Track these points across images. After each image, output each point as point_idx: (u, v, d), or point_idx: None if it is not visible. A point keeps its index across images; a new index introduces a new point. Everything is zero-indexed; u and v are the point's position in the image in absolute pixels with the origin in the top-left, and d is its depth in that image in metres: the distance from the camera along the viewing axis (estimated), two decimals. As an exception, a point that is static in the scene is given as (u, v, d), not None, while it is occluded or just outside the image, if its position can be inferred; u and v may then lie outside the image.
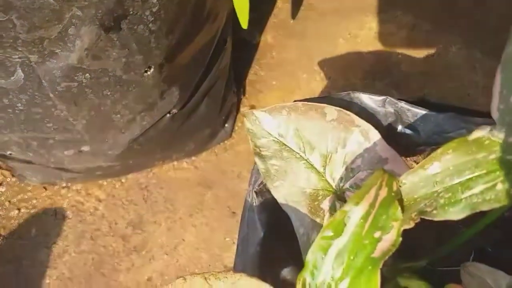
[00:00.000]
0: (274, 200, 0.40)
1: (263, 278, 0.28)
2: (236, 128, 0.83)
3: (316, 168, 0.39)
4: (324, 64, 0.89)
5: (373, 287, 0.25)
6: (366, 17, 0.92)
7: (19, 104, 0.46)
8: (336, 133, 0.39)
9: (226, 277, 0.28)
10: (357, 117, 0.38)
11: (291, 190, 0.39)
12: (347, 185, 0.38)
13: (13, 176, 0.79)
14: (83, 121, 0.51)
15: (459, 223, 0.51)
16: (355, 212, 0.27)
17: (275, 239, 0.40)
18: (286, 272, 0.40)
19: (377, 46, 0.89)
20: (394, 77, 0.85)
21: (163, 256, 0.75)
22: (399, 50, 0.88)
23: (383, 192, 0.28)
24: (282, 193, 0.39)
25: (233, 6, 0.57)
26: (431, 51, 0.87)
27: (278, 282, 0.40)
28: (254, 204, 0.41)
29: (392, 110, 0.42)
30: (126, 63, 0.47)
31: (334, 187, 0.38)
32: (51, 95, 0.46)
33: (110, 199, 0.79)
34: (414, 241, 0.51)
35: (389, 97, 0.41)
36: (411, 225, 0.27)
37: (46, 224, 0.78)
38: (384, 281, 0.39)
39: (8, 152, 0.57)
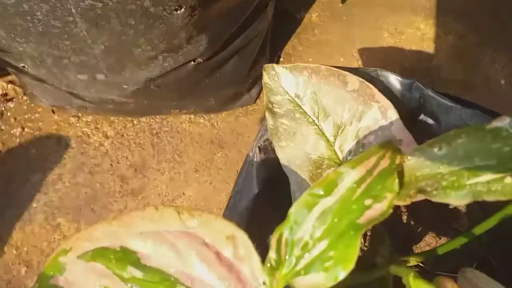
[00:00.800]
0: (275, 161, 0.39)
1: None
2: (261, 95, 0.82)
3: (326, 136, 0.38)
4: (364, 53, 0.87)
5: (351, 253, 0.24)
6: (416, 16, 0.90)
7: (39, 13, 0.46)
8: (354, 105, 0.37)
9: (201, 215, 0.27)
10: (378, 93, 0.36)
11: (296, 152, 0.38)
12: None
13: (24, 94, 0.80)
14: (102, 47, 0.51)
15: (460, 226, 0.50)
16: (350, 175, 0.26)
17: (268, 201, 0.40)
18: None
19: (421, 46, 0.86)
20: (431, 81, 0.83)
21: (158, 205, 0.75)
22: (442, 55, 0.85)
23: (384, 163, 0.27)
24: (287, 154, 0.38)
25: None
26: (474, 62, 0.84)
27: (262, 245, 0.40)
28: (255, 159, 0.40)
29: (417, 96, 0.40)
30: (158, -5, 0.47)
31: (341, 158, 0.37)
32: (73, 10, 0.46)
33: (118, 138, 0.79)
34: (413, 241, 0.50)
35: (416, 82, 0.40)
36: (407, 201, 0.26)
37: (47, 149, 0.79)
38: (376, 269, 0.38)
39: (22, 65, 0.58)
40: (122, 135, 0.79)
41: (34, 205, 0.75)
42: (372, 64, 0.86)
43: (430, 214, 0.50)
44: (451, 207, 0.51)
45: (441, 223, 0.50)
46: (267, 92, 0.38)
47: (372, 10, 0.91)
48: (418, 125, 0.41)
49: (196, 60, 0.61)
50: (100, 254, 0.25)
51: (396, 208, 0.51)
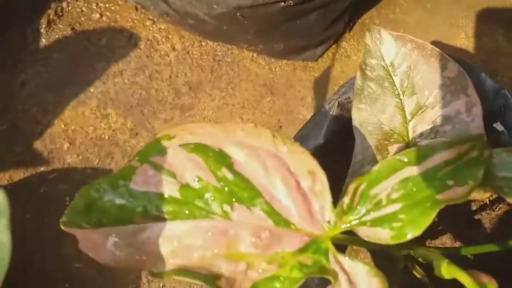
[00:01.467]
0: (348, 120, 0.39)
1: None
2: (324, 56, 0.81)
3: (405, 113, 0.38)
4: (434, 45, 0.84)
5: (424, 221, 0.25)
6: (498, 27, 0.86)
7: None
8: (444, 92, 0.37)
9: (292, 144, 0.28)
10: (472, 87, 0.36)
11: (371, 118, 0.39)
12: (423, 143, 0.37)
13: (113, -17, 0.81)
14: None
15: (476, 237, 0.51)
16: (441, 153, 0.26)
17: (329, 154, 0.41)
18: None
19: (490, 58, 0.84)
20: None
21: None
22: (508, 74, 0.83)
23: (474, 153, 0.27)
24: (362, 117, 0.39)
25: None
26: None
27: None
28: (330, 112, 0.41)
29: (501, 103, 0.40)
30: None
31: (410, 138, 0.38)
32: None
33: (183, 53, 0.79)
34: (430, 236, 0.51)
35: (505, 90, 0.39)
36: (482, 195, 0.27)
37: (117, 42, 0.80)
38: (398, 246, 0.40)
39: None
40: (188, 52, 0.80)
41: (92, 90, 0.77)
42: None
43: (453, 217, 0.51)
44: (476, 217, 0.51)
45: (460, 229, 0.51)
46: (365, 53, 0.38)
47: (457, 7, 0.88)
48: (490, 130, 0.41)
49: (287, 2, 0.60)
50: (201, 149, 0.26)
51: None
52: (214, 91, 0.78)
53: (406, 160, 0.27)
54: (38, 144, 0.75)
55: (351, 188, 0.27)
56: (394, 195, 0.26)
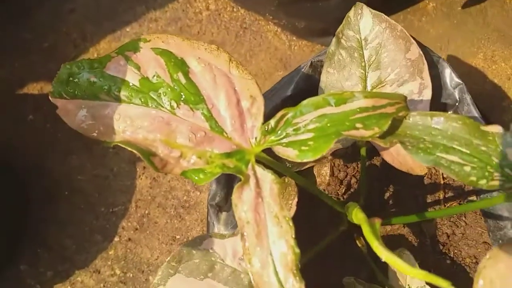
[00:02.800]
0: (315, 80, 0.44)
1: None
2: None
3: (366, 84, 0.42)
4: (451, 59, 0.86)
5: (324, 148, 0.29)
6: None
7: None
8: (403, 71, 0.41)
9: (243, 71, 0.33)
10: (427, 72, 0.40)
11: (335, 83, 0.43)
12: (374, 112, 0.41)
13: None
14: None
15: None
16: (360, 100, 0.31)
17: (293, 104, 0.45)
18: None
19: (502, 84, 0.85)
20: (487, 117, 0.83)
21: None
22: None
23: (391, 109, 0.31)
24: (328, 80, 0.43)
25: None
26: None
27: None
28: (303, 70, 0.45)
29: (457, 96, 0.43)
30: None
31: (365, 106, 0.42)
32: None
33: (215, 15, 0.85)
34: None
35: (464, 85, 0.43)
36: (386, 144, 0.31)
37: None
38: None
39: None
40: (219, 14, 0.85)
41: (128, 29, 0.84)
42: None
43: (409, 209, 0.55)
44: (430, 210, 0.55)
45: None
46: (345, 24, 0.42)
47: (483, 28, 0.89)
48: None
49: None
50: (166, 54, 0.32)
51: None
52: (234, 54, 0.84)
53: (332, 101, 0.31)
54: (71, 66, 0.83)
55: (278, 114, 0.32)
56: (311, 126, 0.31)
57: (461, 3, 0.90)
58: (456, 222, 0.53)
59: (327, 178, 0.54)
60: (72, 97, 0.32)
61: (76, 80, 0.32)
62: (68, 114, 0.32)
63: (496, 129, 0.29)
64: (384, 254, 0.27)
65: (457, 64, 0.87)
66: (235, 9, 0.85)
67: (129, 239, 0.77)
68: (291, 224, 0.29)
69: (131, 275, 0.75)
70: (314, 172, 0.55)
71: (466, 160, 0.29)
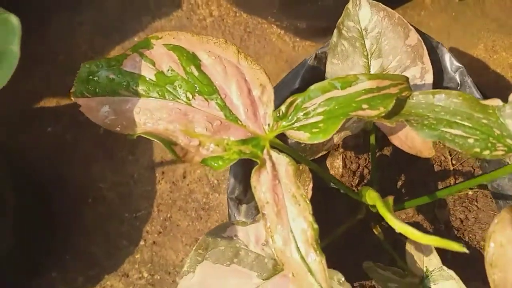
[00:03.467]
0: (321, 71, 0.45)
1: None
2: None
3: (369, 71, 0.44)
4: (452, 51, 0.87)
5: (333, 129, 0.31)
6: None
7: None
8: (404, 57, 0.42)
9: (252, 61, 0.35)
10: (427, 56, 0.41)
11: (340, 72, 0.44)
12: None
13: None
14: None
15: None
16: (364, 82, 0.32)
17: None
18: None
19: (505, 73, 0.86)
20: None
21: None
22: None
23: (394, 90, 0.33)
24: (333, 70, 0.45)
25: None
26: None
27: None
28: (308, 62, 0.47)
29: (458, 80, 0.44)
30: None
31: (370, 93, 0.43)
32: None
33: (219, 20, 0.87)
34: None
35: (464, 68, 0.44)
36: (392, 124, 0.32)
37: (164, 1, 0.88)
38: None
39: None
40: (223, 20, 0.87)
41: (135, 39, 0.87)
42: (453, 63, 0.87)
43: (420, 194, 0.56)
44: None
45: (426, 205, 0.55)
46: (345, 15, 0.44)
47: (482, 19, 0.90)
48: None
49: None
50: (178, 49, 0.33)
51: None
52: (239, 58, 0.85)
53: (338, 85, 0.33)
54: (84, 77, 0.85)
55: (288, 100, 0.33)
56: (319, 109, 0.32)
57: (459, -4, 0.91)
58: (468, 207, 0.54)
59: (340, 170, 0.56)
60: (93, 95, 0.34)
61: (95, 78, 0.33)
62: (91, 111, 0.34)
63: (495, 102, 0.31)
64: (397, 225, 0.29)
65: (458, 55, 0.88)
66: (237, 14, 0.87)
67: (154, 243, 0.78)
68: (308, 202, 0.30)
69: (158, 277, 0.76)
70: (327, 165, 0.56)
71: (469, 133, 0.30)
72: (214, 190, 0.81)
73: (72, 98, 0.36)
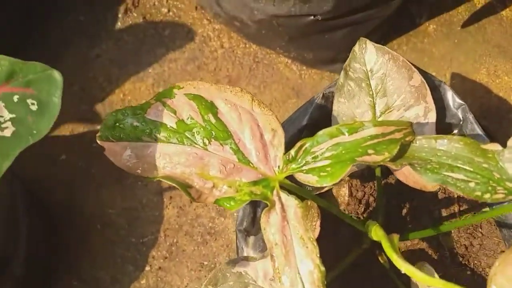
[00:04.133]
0: (328, 110, 0.47)
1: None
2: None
3: (375, 110, 0.46)
4: (455, 77, 0.90)
5: (340, 173, 0.33)
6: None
7: None
8: (408, 97, 0.44)
9: (264, 108, 0.37)
10: (430, 96, 0.43)
11: (346, 111, 0.46)
12: (384, 136, 0.44)
13: (182, -15, 0.93)
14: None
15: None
16: (370, 129, 0.34)
17: (309, 133, 0.49)
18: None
19: (508, 97, 0.88)
20: (499, 129, 0.85)
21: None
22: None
23: (398, 135, 0.35)
24: (340, 109, 0.47)
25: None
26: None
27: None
28: (316, 101, 0.49)
29: (460, 116, 0.46)
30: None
31: (375, 130, 0.45)
32: None
33: (229, 51, 0.90)
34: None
35: (466, 105, 0.46)
36: (397, 167, 0.34)
37: (177, 34, 0.92)
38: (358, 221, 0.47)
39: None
40: (233, 51, 0.90)
41: (150, 70, 0.90)
42: (457, 89, 0.88)
43: (426, 224, 0.57)
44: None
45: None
46: (351, 57, 0.46)
47: (484, 45, 0.92)
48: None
49: (316, 17, 0.69)
50: (198, 98, 0.36)
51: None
52: (248, 87, 0.88)
53: (344, 130, 0.35)
54: (99, 107, 0.88)
55: (298, 144, 0.35)
56: (327, 154, 0.34)
57: (460, 23, 0.93)
58: (473, 234, 0.55)
59: (346, 198, 0.57)
60: (118, 140, 0.36)
61: (121, 125, 0.36)
62: (115, 155, 0.36)
63: (494, 147, 0.32)
64: (403, 266, 0.30)
65: (462, 80, 0.90)
66: (247, 45, 0.90)
67: (160, 268, 0.80)
68: (315, 244, 0.32)
69: (163, 302, 0.78)
70: (334, 193, 0.58)
71: (470, 177, 0.32)
72: (220, 215, 0.83)
73: (98, 141, 0.38)
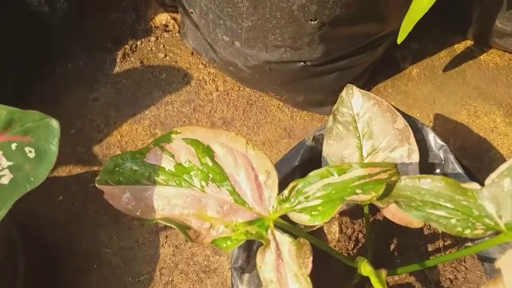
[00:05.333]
0: (318, 151, 0.49)
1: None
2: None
3: (362, 151, 0.48)
4: (438, 118, 0.93)
5: (331, 212, 0.34)
6: (498, 110, 0.94)
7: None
8: (393, 139, 0.47)
9: (258, 151, 0.39)
10: (413, 138, 0.46)
11: (335, 152, 0.49)
12: (372, 175, 0.46)
13: (178, 32, 0.97)
14: (250, 23, 0.64)
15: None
16: (357, 170, 0.36)
17: (301, 173, 0.51)
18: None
19: (488, 136, 0.91)
20: (479, 167, 0.87)
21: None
22: (501, 152, 0.89)
23: (384, 175, 0.36)
24: (329, 150, 0.49)
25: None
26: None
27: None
28: (306, 143, 0.51)
29: (442, 156, 0.48)
30: (303, 5, 0.58)
31: (363, 170, 0.47)
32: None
33: (224, 94, 0.93)
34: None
35: (447, 146, 0.48)
36: (383, 205, 0.36)
37: (174, 78, 0.95)
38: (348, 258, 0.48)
39: (191, 10, 0.73)
40: (228, 94, 0.93)
41: (147, 112, 0.92)
42: (440, 128, 0.92)
43: (412, 257, 0.58)
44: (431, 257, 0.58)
45: None
46: (339, 102, 0.49)
47: (464, 87, 0.96)
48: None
49: (306, 62, 0.72)
50: (195, 143, 0.38)
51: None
52: (242, 128, 0.91)
53: (333, 172, 0.37)
54: (96, 148, 0.90)
55: (290, 185, 0.37)
56: (318, 194, 0.36)
57: (442, 67, 0.98)
58: (457, 267, 0.56)
59: (337, 235, 0.58)
60: (117, 183, 0.38)
61: (121, 169, 0.37)
62: (114, 198, 0.37)
63: (473, 186, 0.34)
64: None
65: (444, 121, 0.93)
66: (241, 88, 0.93)
67: (155, 307, 0.79)
68: (308, 280, 0.33)
69: None
70: (325, 230, 0.59)
71: (452, 214, 0.34)
72: (215, 253, 0.83)
73: (96, 185, 0.39)
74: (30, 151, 0.37)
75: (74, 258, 0.82)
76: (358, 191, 0.35)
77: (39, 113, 0.39)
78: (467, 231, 0.33)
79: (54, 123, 0.36)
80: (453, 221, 0.33)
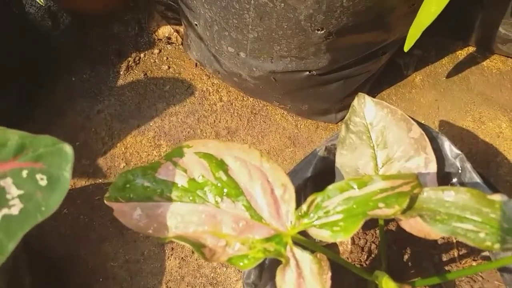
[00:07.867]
0: (331, 161, 0.47)
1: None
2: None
3: (376, 161, 0.46)
4: (443, 124, 0.91)
5: (353, 228, 0.32)
6: (503, 115, 0.92)
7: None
8: (408, 148, 0.45)
9: (273, 164, 0.37)
10: (430, 147, 0.43)
11: (349, 162, 0.46)
12: (388, 186, 0.44)
13: (182, 44, 0.95)
14: (256, 34, 0.62)
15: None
16: (378, 182, 0.34)
17: (314, 185, 0.48)
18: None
19: (494, 142, 0.89)
20: (486, 173, 0.85)
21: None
22: (508, 157, 0.87)
23: (406, 188, 0.34)
24: (343, 161, 0.47)
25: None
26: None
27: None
28: (319, 154, 0.49)
29: (459, 165, 0.46)
30: (310, 15, 0.57)
31: (378, 181, 0.45)
32: (252, 2, 0.57)
33: (228, 104, 0.91)
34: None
35: (463, 155, 0.46)
36: (407, 218, 0.34)
37: (178, 89, 0.93)
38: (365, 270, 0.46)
39: (195, 23, 0.71)
40: (232, 104, 0.91)
41: (151, 124, 0.90)
42: (445, 135, 0.90)
43: (427, 268, 0.56)
44: (446, 268, 0.56)
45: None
46: (351, 112, 0.47)
47: (468, 94, 0.95)
48: (445, 184, 0.47)
49: (311, 72, 0.70)
50: (207, 157, 0.35)
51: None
52: (247, 137, 0.88)
53: (354, 185, 0.34)
54: (101, 161, 0.88)
55: (309, 199, 0.35)
56: (339, 208, 0.34)
57: (445, 74, 0.96)
58: (474, 278, 0.54)
59: (349, 246, 0.56)
60: (127, 200, 0.35)
61: (131, 186, 0.35)
62: (124, 215, 0.35)
63: (500, 197, 0.32)
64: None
65: (449, 127, 0.92)
66: (245, 98, 0.91)
67: (162, 321, 0.76)
68: (332, 299, 0.31)
69: None
70: (337, 242, 0.57)
71: (480, 227, 0.32)
72: (222, 265, 0.80)
73: (106, 202, 0.37)
74: (42, 179, 0.34)
75: (79, 272, 0.80)
76: (380, 205, 0.33)
77: (52, 138, 0.37)
78: (497, 246, 0.31)
79: (68, 149, 0.33)
80: (481, 235, 0.31)
